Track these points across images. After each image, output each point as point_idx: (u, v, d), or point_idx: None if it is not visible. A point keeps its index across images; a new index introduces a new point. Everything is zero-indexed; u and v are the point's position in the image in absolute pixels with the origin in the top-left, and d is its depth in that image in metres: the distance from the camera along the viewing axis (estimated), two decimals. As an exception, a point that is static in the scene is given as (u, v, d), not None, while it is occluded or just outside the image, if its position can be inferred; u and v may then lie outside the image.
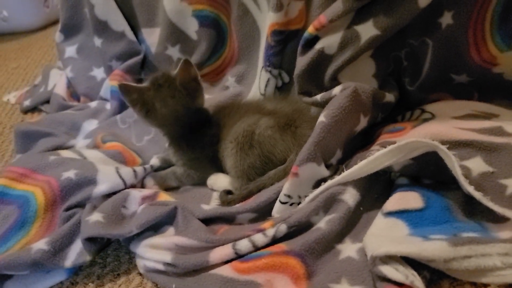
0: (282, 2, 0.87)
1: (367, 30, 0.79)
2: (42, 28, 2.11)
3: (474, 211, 0.62)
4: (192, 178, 0.88)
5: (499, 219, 0.59)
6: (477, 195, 0.59)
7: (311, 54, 0.84)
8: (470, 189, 0.59)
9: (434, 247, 0.54)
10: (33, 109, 1.33)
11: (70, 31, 1.29)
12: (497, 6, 0.77)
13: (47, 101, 1.30)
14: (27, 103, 1.33)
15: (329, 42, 0.82)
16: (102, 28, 1.18)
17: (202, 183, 0.87)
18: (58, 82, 1.30)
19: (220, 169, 0.87)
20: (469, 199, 0.62)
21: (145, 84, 0.85)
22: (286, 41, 0.93)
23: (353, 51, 0.80)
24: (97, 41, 1.20)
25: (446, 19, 0.80)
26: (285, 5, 0.88)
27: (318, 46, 0.83)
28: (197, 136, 0.86)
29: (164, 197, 0.80)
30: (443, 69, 0.84)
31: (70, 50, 1.29)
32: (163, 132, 0.89)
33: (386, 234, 0.61)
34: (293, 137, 0.77)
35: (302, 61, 0.86)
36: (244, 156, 0.78)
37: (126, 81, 1.14)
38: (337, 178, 0.68)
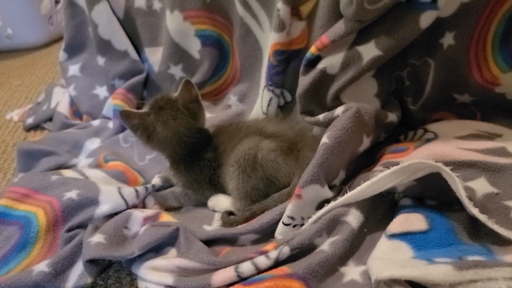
0: (284, 22, 0.88)
1: (369, 51, 0.79)
2: (46, 45, 2.13)
3: (479, 233, 0.61)
4: (189, 198, 0.88)
5: (505, 242, 0.58)
6: (482, 217, 0.58)
7: (313, 73, 0.85)
8: (474, 211, 0.59)
9: (439, 271, 0.53)
10: (36, 126, 1.33)
11: (73, 50, 1.31)
12: (498, 28, 0.77)
13: (50, 119, 1.30)
14: (30, 121, 1.33)
15: (331, 62, 0.83)
16: (105, 47, 1.19)
17: (204, 203, 0.87)
18: (61, 100, 1.31)
19: (220, 191, 0.86)
20: (474, 220, 0.61)
21: (145, 109, 0.85)
22: (288, 60, 0.94)
23: (355, 71, 0.81)
24: (100, 60, 1.21)
25: (448, 39, 0.80)
26: (287, 25, 0.89)
27: (320, 66, 0.84)
28: (196, 158, 0.86)
29: (166, 217, 0.79)
30: (445, 89, 0.84)
31: (74, 69, 1.30)
32: (165, 155, 0.89)
33: (390, 256, 0.60)
34: (296, 160, 0.77)
35: (304, 81, 0.86)
36: (246, 178, 0.77)
37: (128, 100, 1.16)
38: (340, 200, 0.68)
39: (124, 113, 0.84)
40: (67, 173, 0.92)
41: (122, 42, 1.17)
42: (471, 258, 0.57)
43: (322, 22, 0.86)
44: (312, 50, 0.84)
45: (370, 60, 0.79)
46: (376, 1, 0.74)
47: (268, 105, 0.97)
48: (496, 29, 0.78)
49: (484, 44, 0.79)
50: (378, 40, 0.79)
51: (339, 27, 0.81)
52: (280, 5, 0.87)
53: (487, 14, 0.77)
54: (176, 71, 1.14)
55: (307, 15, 0.89)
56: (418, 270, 0.54)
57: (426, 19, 0.75)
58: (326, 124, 0.79)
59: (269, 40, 0.93)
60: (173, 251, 0.72)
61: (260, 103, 1.00)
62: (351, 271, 0.62)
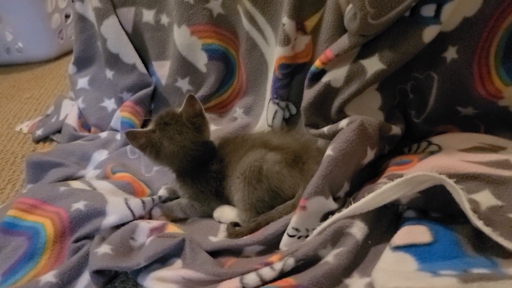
0: (289, 36, 0.89)
1: (373, 64, 0.81)
2: (56, 58, 2.16)
3: (484, 245, 0.61)
4: (195, 209, 0.89)
5: (509, 255, 0.58)
6: (486, 230, 0.58)
7: (317, 87, 0.86)
8: (479, 224, 0.59)
9: (443, 284, 0.54)
10: (45, 138, 1.35)
11: (82, 64, 1.33)
12: (501, 41, 0.78)
13: (59, 131, 1.32)
14: (39, 132, 1.35)
15: (336, 76, 0.84)
16: (113, 60, 1.21)
17: (210, 215, 0.88)
18: (69, 113, 1.33)
19: (225, 203, 0.87)
20: (478, 233, 0.61)
21: (150, 126, 0.87)
22: (293, 74, 0.95)
23: (359, 85, 0.82)
24: (109, 73, 1.23)
25: (451, 53, 0.81)
26: (292, 40, 0.90)
27: (325, 79, 0.85)
28: (202, 171, 0.87)
29: (172, 228, 0.80)
30: (449, 102, 0.85)
31: (82, 82, 1.32)
32: (172, 169, 0.90)
33: (394, 269, 0.60)
34: (301, 172, 0.78)
35: (309, 94, 0.88)
36: (252, 190, 0.78)
37: (136, 112, 1.17)
38: (345, 211, 0.68)
39: (130, 134, 0.85)
40: (75, 184, 0.94)
41: (130, 55, 1.19)
42: (475, 270, 0.56)
43: (327, 36, 0.87)
44: (317, 64, 0.85)
45: (374, 74, 0.81)
46: (380, 15, 0.75)
47: (274, 117, 0.99)
48: (499, 43, 0.79)
49: (487, 58, 0.80)
50: (382, 54, 0.80)
51: (343, 41, 0.82)
52: (285, 19, 0.88)
53: (489, 28, 0.78)
54: (183, 84, 1.15)
55: (312, 30, 0.91)
56: (423, 282, 0.55)
57: (429, 33, 0.77)
58: (330, 137, 0.80)
59: (275, 54, 0.94)
60: (178, 262, 0.73)
61: (265, 115, 1.01)
62: (356, 283, 0.62)
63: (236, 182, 0.82)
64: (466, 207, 0.60)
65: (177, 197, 0.93)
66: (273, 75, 0.96)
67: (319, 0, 0.89)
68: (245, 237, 0.76)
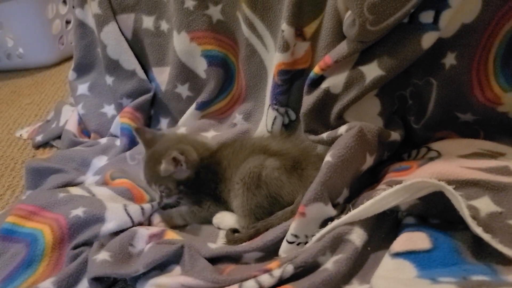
0: (289, 43, 0.90)
1: (372, 71, 0.81)
2: (56, 64, 2.16)
3: (483, 252, 0.61)
4: (194, 215, 0.89)
5: (509, 262, 0.58)
6: (486, 237, 0.58)
7: (317, 93, 0.86)
8: (478, 230, 0.59)
9: (443, 291, 0.53)
10: (45, 144, 1.35)
11: (82, 70, 1.33)
12: (500, 48, 0.78)
13: (59, 137, 1.32)
14: (39, 138, 1.35)
15: (335, 82, 0.84)
16: (113, 67, 1.21)
17: (209, 221, 0.87)
18: (69, 119, 1.33)
19: (224, 208, 0.87)
20: (478, 239, 0.61)
21: None
22: (293, 80, 0.96)
23: (358, 91, 0.82)
24: (109, 79, 1.23)
25: (450, 60, 0.81)
26: (291, 46, 0.91)
27: (324, 85, 0.85)
28: (200, 174, 0.87)
29: (171, 235, 0.80)
30: (448, 108, 0.85)
31: (82, 88, 1.32)
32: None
33: (393, 275, 0.60)
34: (300, 179, 0.78)
35: (308, 100, 0.88)
36: (251, 196, 0.78)
37: (136, 118, 1.18)
38: (344, 218, 0.68)
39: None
40: (74, 190, 0.93)
41: (130, 62, 1.20)
42: (475, 277, 0.56)
43: (326, 42, 0.88)
44: (316, 70, 0.86)
45: (373, 80, 0.81)
46: (379, 22, 0.76)
47: (273, 123, 0.99)
48: (497, 50, 0.79)
49: (486, 64, 0.80)
50: (381, 60, 0.80)
51: (342, 47, 0.82)
52: (284, 26, 0.89)
53: (488, 35, 0.79)
54: (183, 90, 1.16)
55: (311, 36, 0.91)
56: (422, 289, 0.54)
57: (428, 39, 0.77)
58: (330, 143, 0.80)
59: (274, 60, 0.95)
60: (177, 269, 0.72)
61: (265, 121, 1.01)
62: (355, 290, 0.62)
63: (235, 188, 0.82)
64: (466, 214, 0.60)
65: (176, 204, 0.93)
66: (273, 81, 0.96)
67: (318, 6, 0.89)
68: (244, 244, 0.76)
